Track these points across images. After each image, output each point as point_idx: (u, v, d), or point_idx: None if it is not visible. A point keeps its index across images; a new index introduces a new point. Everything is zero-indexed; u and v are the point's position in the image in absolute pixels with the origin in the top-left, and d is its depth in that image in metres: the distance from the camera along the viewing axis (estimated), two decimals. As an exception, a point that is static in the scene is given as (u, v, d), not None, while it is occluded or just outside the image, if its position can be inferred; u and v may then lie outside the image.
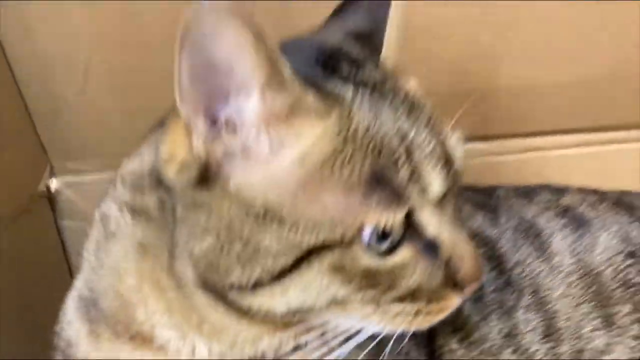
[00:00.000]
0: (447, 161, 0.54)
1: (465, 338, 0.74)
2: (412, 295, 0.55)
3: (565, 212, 0.82)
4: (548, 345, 0.75)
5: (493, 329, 0.75)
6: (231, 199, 0.51)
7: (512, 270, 0.78)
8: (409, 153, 0.51)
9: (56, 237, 0.97)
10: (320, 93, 0.51)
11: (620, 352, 0.73)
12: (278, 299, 0.52)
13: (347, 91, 0.53)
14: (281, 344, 0.59)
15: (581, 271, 0.77)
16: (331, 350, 0.58)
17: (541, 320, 0.75)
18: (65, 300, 0.68)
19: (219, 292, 0.54)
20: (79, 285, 0.66)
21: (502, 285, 0.77)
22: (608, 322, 0.75)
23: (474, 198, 0.84)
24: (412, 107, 0.55)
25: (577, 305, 0.76)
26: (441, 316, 0.57)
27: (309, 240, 0.50)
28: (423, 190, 0.52)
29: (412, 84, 0.60)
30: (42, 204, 0.95)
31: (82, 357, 0.63)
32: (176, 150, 0.52)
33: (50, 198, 0.96)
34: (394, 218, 0.50)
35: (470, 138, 0.99)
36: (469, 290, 0.56)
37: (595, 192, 0.87)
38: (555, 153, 1.05)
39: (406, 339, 0.61)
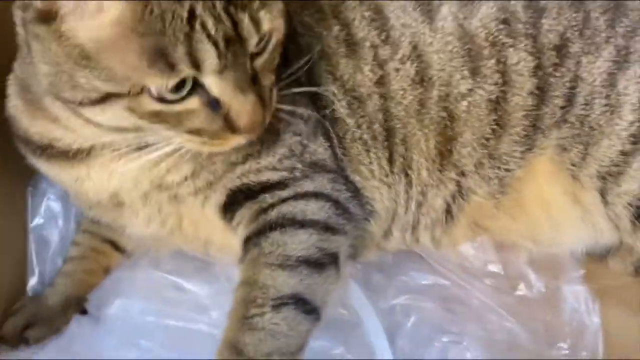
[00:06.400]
0: (231, 41, 0.69)
1: (342, 86, 0.91)
2: (198, 132, 0.74)
3: None
4: (418, 91, 0.91)
5: (365, 77, 0.91)
6: (59, 39, 0.68)
7: (392, 30, 0.92)
8: (189, 35, 0.66)
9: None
10: None
11: (478, 96, 0.91)
12: (100, 117, 0.73)
13: None
14: (126, 142, 0.82)
15: (459, 33, 0.91)
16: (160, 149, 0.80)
17: (415, 70, 0.91)
18: (7, 79, 0.88)
19: (62, 101, 0.74)
20: (16, 66, 0.86)
21: (379, 41, 0.92)
22: (474, 72, 0.91)
23: None
24: None
25: (451, 59, 0.91)
26: (225, 148, 0.77)
27: (106, 87, 0.69)
28: (199, 64, 0.68)
29: None
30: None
31: (24, 130, 0.87)
32: None
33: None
34: (168, 83, 0.68)
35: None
36: (247, 136, 0.75)
37: None
38: None
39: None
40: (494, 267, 1.00)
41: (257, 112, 0.73)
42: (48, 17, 0.69)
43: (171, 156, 0.82)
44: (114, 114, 0.73)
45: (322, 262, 0.83)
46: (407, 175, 0.94)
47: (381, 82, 0.92)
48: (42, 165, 0.90)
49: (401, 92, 0.92)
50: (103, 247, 1.06)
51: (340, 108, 0.91)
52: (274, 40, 0.76)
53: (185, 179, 0.86)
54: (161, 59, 0.67)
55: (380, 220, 0.96)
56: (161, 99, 0.71)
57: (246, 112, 0.73)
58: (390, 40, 0.92)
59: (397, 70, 0.92)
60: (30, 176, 1.05)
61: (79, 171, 0.87)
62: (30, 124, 0.86)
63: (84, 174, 0.87)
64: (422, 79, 0.92)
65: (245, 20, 0.70)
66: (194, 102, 0.72)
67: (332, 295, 0.85)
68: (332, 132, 0.90)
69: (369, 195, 0.93)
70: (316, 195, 0.87)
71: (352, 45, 0.93)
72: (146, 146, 0.82)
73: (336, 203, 0.88)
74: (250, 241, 0.84)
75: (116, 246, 1.06)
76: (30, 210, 1.06)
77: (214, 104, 0.73)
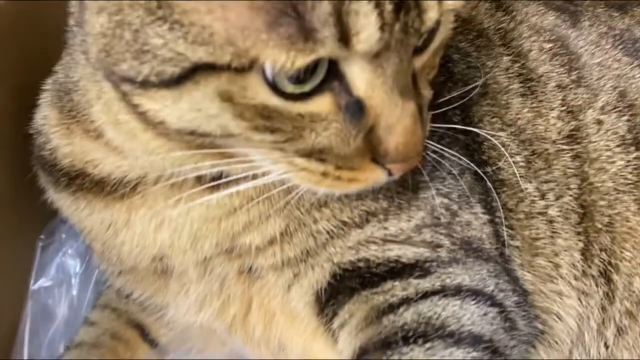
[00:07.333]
0: (403, 7, 0.46)
1: (517, 135, 0.73)
2: (320, 154, 0.52)
3: None
4: (632, 155, 0.73)
5: (551, 126, 0.74)
6: None
7: (586, 70, 0.76)
8: None
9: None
10: None
11: None
12: (169, 110, 0.50)
13: None
14: (197, 168, 0.59)
15: None
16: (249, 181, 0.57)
17: (627, 125, 0.73)
18: (43, 85, 0.72)
19: (115, 83, 0.53)
20: (58, 69, 0.69)
21: (569, 82, 0.75)
22: None
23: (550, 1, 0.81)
24: None
25: None
26: (354, 187, 0.54)
27: (195, 54, 0.47)
28: (346, 38, 0.45)
29: None
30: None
31: (52, 150, 0.68)
32: None
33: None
34: (295, 61, 0.45)
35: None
36: (394, 169, 0.52)
37: None
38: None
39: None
40: None
41: (417, 130, 0.51)
42: None
43: (259, 198, 0.61)
44: (196, 104, 0.49)
45: None
46: (608, 280, 0.72)
47: (575, 136, 0.73)
48: (65, 201, 0.70)
49: (606, 154, 0.73)
50: (127, 333, 0.84)
51: (514, 165, 0.71)
52: (440, 36, 0.55)
53: (271, 242, 0.64)
54: (289, 18, 0.44)
55: (553, 349, 0.72)
56: (276, 89, 0.48)
57: (403, 127, 0.50)
58: (585, 81, 0.75)
59: (599, 122, 0.74)
60: (45, 222, 0.86)
61: (115, 213, 0.67)
62: (62, 142, 0.68)
63: (121, 219, 0.67)
64: (638, 140, 0.73)
65: None
66: (324, 103, 0.50)
67: None
68: (497, 199, 0.69)
69: (544, 305, 0.70)
70: (476, 293, 0.63)
71: (529, 82, 0.76)
72: (223, 178, 0.60)
73: (502, 311, 0.64)
74: (366, 356, 0.60)
75: (145, 334, 0.85)
76: (36, 268, 0.85)
77: (354, 108, 0.50)
